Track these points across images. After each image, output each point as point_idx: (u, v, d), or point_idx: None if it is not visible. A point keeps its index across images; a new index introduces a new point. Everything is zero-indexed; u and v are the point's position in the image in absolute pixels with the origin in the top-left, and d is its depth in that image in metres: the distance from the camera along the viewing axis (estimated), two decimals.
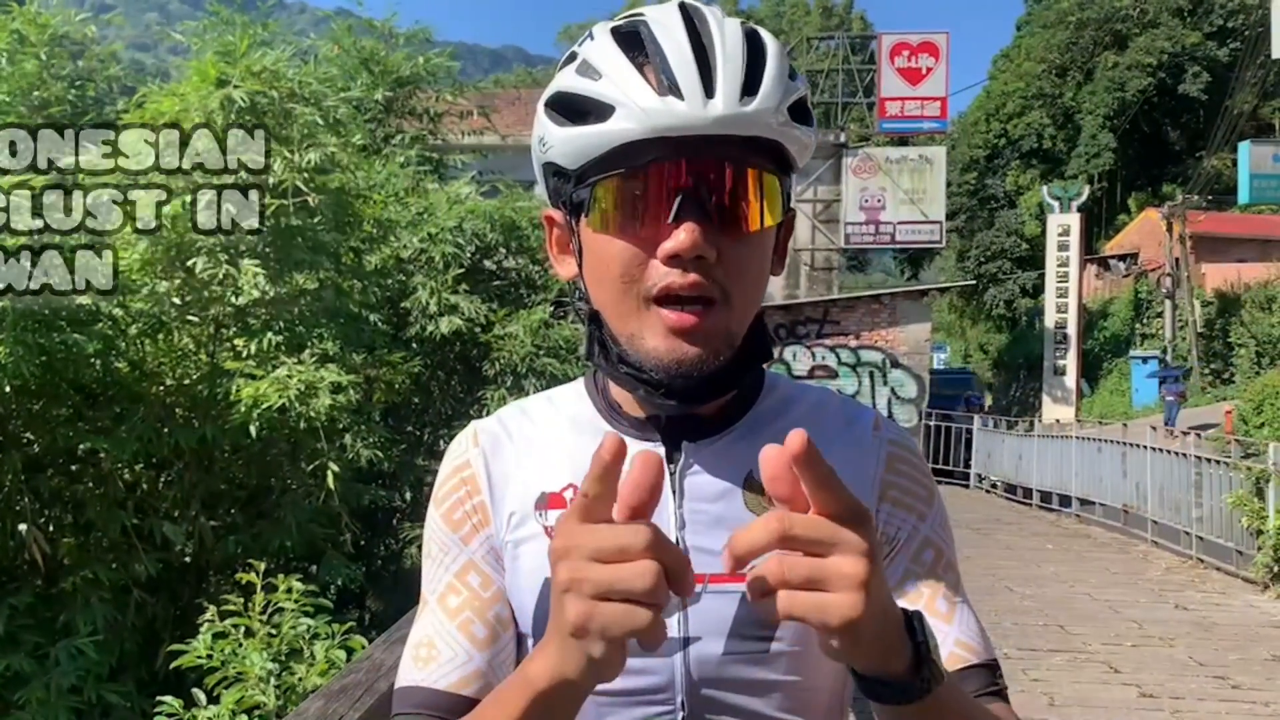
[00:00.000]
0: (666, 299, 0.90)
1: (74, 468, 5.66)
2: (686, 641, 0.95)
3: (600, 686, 0.91)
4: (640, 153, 0.89)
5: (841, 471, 0.99)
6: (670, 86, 0.88)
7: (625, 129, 0.88)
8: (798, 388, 1.08)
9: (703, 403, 0.96)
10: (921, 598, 0.99)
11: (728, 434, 1.00)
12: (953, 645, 0.97)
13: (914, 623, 0.79)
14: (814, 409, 1.04)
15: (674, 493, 0.97)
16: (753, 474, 0.96)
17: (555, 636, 0.77)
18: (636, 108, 0.88)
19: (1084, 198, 28.53)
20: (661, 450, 0.98)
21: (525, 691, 0.80)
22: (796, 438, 0.72)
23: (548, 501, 1.00)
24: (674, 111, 0.87)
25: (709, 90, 0.88)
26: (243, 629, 3.60)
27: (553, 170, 0.97)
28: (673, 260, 0.89)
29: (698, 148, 0.89)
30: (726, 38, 0.91)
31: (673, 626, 0.94)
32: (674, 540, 0.95)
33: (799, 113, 0.93)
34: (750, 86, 0.89)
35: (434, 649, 0.99)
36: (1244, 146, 26.67)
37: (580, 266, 0.98)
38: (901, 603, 0.95)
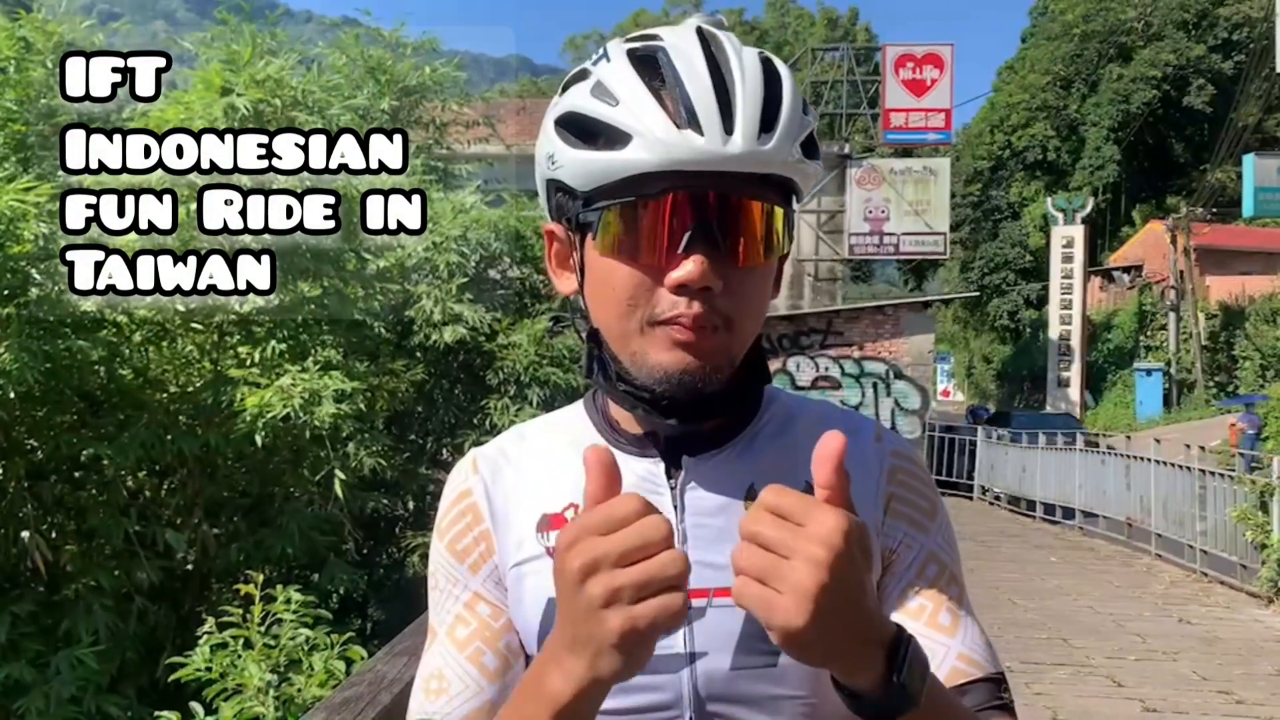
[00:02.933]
0: (671, 322, 0.91)
1: (77, 474, 5.65)
2: (693, 657, 0.94)
3: (608, 705, 0.91)
4: (653, 182, 0.89)
5: None
6: (689, 119, 0.87)
7: (642, 159, 0.88)
8: (798, 401, 1.07)
9: (699, 422, 0.96)
10: (924, 612, 0.98)
11: (728, 448, 1.00)
12: (955, 660, 0.96)
13: (899, 644, 0.78)
14: (815, 422, 1.03)
15: (675, 508, 0.97)
16: (753, 486, 0.96)
17: (583, 650, 0.76)
18: (654, 139, 0.87)
19: (1088, 210, 28.58)
20: (661, 467, 0.99)
21: (548, 708, 0.80)
22: (836, 439, 0.76)
23: (549, 523, 1.00)
24: (692, 146, 0.87)
25: (728, 126, 0.88)
26: (241, 640, 3.59)
27: (557, 187, 0.97)
28: (680, 289, 0.89)
29: (711, 181, 0.89)
30: (746, 71, 0.90)
31: (678, 642, 0.94)
32: None
33: (809, 147, 0.94)
34: (768, 123, 0.89)
35: (444, 681, 1.00)
36: (1249, 159, 26.69)
37: (582, 284, 0.98)
38: (903, 617, 0.96)
